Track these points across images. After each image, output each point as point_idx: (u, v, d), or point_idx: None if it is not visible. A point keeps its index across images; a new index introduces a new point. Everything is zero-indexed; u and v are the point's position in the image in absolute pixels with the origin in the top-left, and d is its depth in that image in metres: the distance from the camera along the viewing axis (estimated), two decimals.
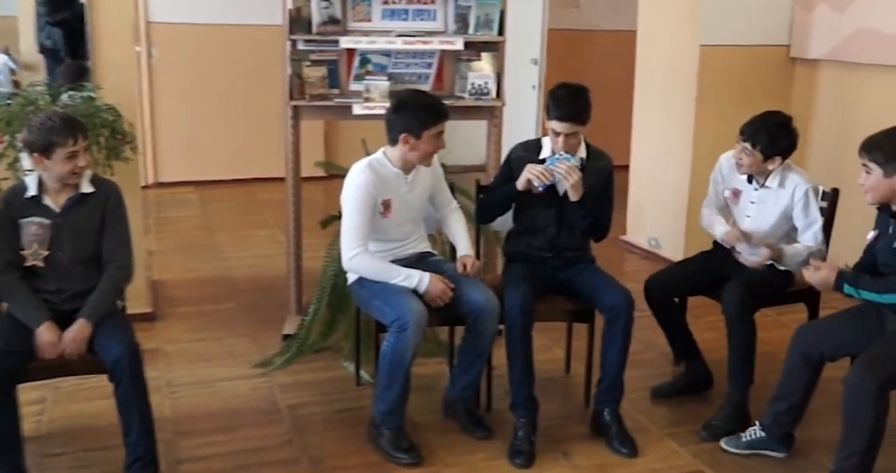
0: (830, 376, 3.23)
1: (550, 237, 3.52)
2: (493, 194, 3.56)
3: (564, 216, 3.50)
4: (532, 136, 7.84)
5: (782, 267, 3.59)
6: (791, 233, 3.61)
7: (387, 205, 3.31)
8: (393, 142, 3.29)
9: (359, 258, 3.24)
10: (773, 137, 3.44)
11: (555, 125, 3.36)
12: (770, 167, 3.51)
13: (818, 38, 5.24)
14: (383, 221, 3.33)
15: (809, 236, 3.55)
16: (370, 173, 3.26)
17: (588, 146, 3.52)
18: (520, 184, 3.40)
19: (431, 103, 3.26)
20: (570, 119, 3.33)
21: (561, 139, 3.36)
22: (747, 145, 3.47)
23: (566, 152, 3.37)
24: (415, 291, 3.24)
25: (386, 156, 3.34)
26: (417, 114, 3.22)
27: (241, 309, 4.72)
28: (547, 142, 3.49)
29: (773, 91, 5.38)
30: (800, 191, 3.53)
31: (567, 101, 3.33)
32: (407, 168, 3.34)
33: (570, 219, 3.50)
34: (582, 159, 3.47)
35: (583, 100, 3.34)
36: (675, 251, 5.50)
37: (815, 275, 3.05)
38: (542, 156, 3.48)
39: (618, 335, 3.34)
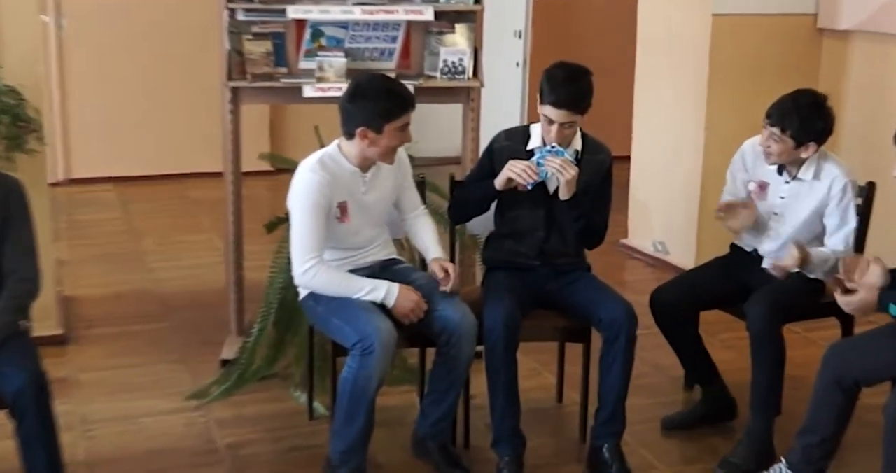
0: (868, 403, 3.25)
1: (539, 241, 3.52)
2: (469, 191, 3.56)
3: (555, 217, 3.50)
4: (517, 121, 7.95)
5: (812, 275, 3.62)
6: (821, 235, 3.64)
7: (343, 209, 3.30)
8: (349, 135, 3.27)
9: (313, 271, 3.23)
10: (805, 120, 3.47)
11: (548, 111, 3.36)
12: (803, 155, 3.54)
13: (850, 6, 5.28)
14: (340, 227, 3.31)
15: (839, 239, 3.58)
16: (322, 171, 3.24)
17: (584, 136, 3.53)
18: (499, 182, 3.40)
19: (395, 90, 3.25)
20: (566, 106, 3.33)
21: (554, 129, 3.36)
22: (776, 130, 3.49)
23: (558, 144, 3.36)
24: (382, 306, 3.23)
25: (341, 151, 3.32)
26: (378, 103, 3.20)
27: (171, 330, 4.70)
28: (536, 130, 3.49)
29: (797, 67, 5.42)
30: (838, 185, 3.56)
31: (564, 85, 3.33)
32: (365, 165, 3.33)
33: (562, 221, 3.50)
34: (577, 151, 3.47)
35: (583, 84, 3.35)
36: (685, 257, 5.52)
37: (851, 302, 3.05)
38: (529, 147, 3.48)
39: (618, 356, 3.35)
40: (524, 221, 3.52)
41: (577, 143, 3.49)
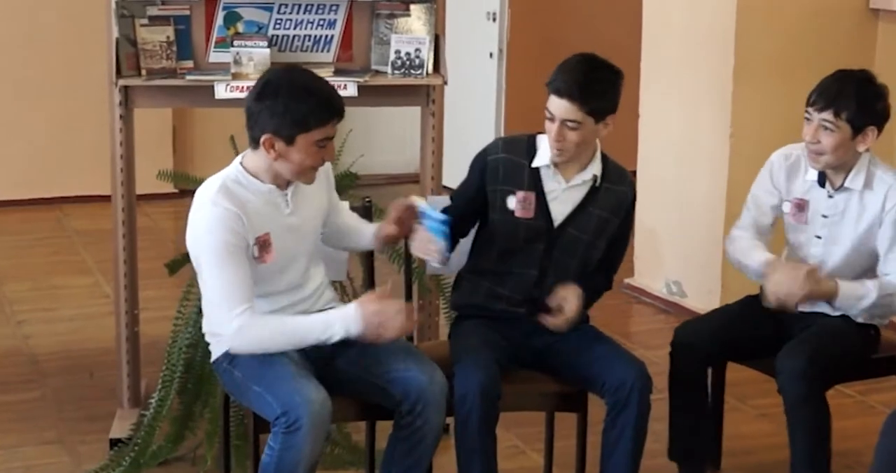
0: None
1: (529, 285, 3.54)
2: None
3: (556, 256, 3.52)
4: (491, 127, 7.99)
5: (861, 319, 3.68)
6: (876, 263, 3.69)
7: (264, 244, 3.27)
8: (254, 143, 3.27)
9: (247, 328, 3.19)
10: (862, 98, 3.54)
11: (549, 103, 3.40)
12: (860, 148, 3.60)
13: None
14: (260, 269, 3.29)
15: (894, 266, 3.63)
16: (226, 202, 3.21)
17: (605, 159, 3.56)
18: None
19: (316, 90, 3.22)
20: (570, 96, 3.36)
21: (555, 127, 3.41)
22: (827, 116, 3.54)
23: (559, 153, 3.41)
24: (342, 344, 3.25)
25: (245, 169, 3.30)
26: (290, 106, 3.18)
27: (46, 402, 4.66)
28: (544, 144, 3.50)
29: (844, 58, 5.47)
30: (894, 198, 3.62)
31: (574, 71, 3.38)
32: (281, 181, 3.33)
33: (565, 262, 3.52)
34: (595, 177, 3.51)
35: (601, 77, 3.40)
36: (705, 300, 5.55)
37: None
38: (535, 164, 3.50)
39: (627, 429, 3.36)
40: (514, 257, 3.54)
41: (596, 167, 3.51)
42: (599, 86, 3.39)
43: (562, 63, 3.43)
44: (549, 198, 3.50)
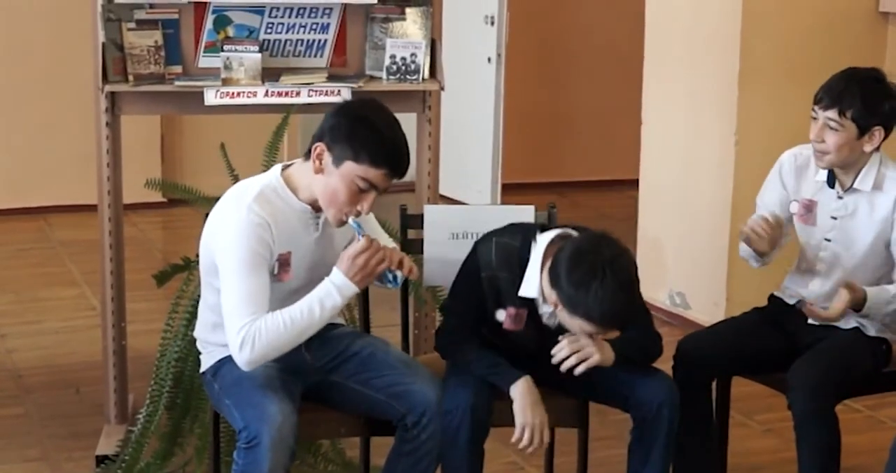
0: None
1: (527, 365, 3.43)
2: (465, 351, 3.41)
3: (549, 348, 3.38)
4: (490, 134, 7.99)
5: (873, 332, 3.65)
6: (891, 269, 3.67)
7: (283, 263, 3.26)
8: (308, 153, 3.24)
9: (252, 336, 3.12)
10: (868, 97, 3.53)
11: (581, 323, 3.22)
12: (867, 148, 3.58)
13: None
14: (275, 287, 3.26)
15: None
16: (261, 212, 3.19)
17: None
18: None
19: (390, 134, 3.18)
20: (610, 323, 3.21)
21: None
22: (832, 114, 3.53)
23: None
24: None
25: (285, 181, 3.27)
26: (360, 131, 3.16)
27: (29, 418, 4.66)
28: (536, 263, 3.32)
29: (853, 61, 5.43)
30: None
31: (608, 298, 3.14)
32: (316, 204, 3.27)
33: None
34: None
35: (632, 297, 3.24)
36: (710, 312, 5.54)
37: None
38: (522, 294, 3.35)
39: (657, 444, 3.33)
40: (507, 345, 3.47)
41: None
42: (630, 308, 3.26)
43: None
44: (540, 311, 3.39)
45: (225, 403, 3.27)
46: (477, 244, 3.45)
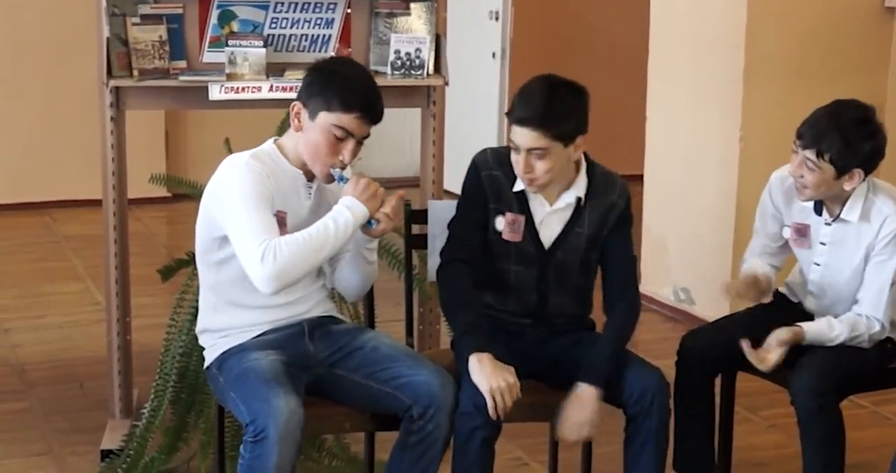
0: None
1: (530, 306, 3.54)
2: (460, 286, 3.48)
3: (552, 279, 3.50)
4: (494, 129, 7.95)
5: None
6: None
7: (281, 222, 3.30)
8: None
9: (271, 253, 3.13)
10: (849, 139, 3.47)
11: (513, 133, 3.34)
12: (846, 187, 3.56)
13: None
14: None
15: (868, 304, 3.59)
16: (260, 166, 3.28)
17: (592, 172, 3.48)
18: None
19: (358, 83, 3.29)
20: (532, 124, 3.29)
21: (521, 158, 3.34)
22: (810, 154, 3.49)
23: (531, 183, 3.36)
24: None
25: (278, 148, 3.38)
26: (329, 83, 3.27)
27: (33, 412, 4.67)
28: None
29: (859, 58, 5.50)
30: (888, 227, 3.58)
31: (534, 96, 3.31)
32: (308, 171, 3.37)
33: (566, 282, 3.52)
34: (579, 199, 3.47)
35: (563, 97, 3.32)
36: (714, 307, 5.51)
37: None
38: (518, 188, 3.45)
39: (650, 437, 3.35)
40: (510, 278, 3.53)
41: (580, 186, 3.45)
42: (561, 108, 3.32)
43: (520, 89, 3.38)
44: (535, 221, 3.47)
45: (230, 396, 3.28)
46: (474, 157, 3.54)
